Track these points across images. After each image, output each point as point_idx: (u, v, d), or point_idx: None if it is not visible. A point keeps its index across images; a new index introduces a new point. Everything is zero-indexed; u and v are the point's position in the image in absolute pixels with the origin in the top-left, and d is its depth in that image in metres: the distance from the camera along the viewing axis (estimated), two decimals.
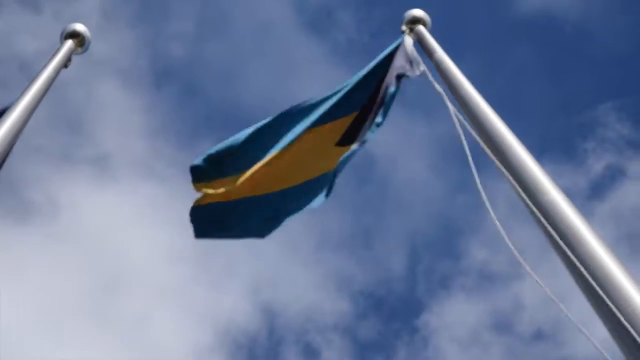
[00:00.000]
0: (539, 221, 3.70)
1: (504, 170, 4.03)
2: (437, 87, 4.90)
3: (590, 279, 3.30)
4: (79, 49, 5.55)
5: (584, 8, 22.52)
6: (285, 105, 6.01)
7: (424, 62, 5.34)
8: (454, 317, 21.96)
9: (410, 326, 21.81)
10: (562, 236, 3.56)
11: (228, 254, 21.46)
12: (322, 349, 21.18)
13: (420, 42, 5.60)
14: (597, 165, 21.48)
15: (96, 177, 22.65)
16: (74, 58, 5.46)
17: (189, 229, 5.87)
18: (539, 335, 20.75)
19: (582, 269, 3.35)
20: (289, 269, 22.57)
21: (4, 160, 4.47)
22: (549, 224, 3.63)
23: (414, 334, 21.59)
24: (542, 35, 22.55)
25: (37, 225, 21.11)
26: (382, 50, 6.02)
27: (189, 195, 5.82)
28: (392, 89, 5.63)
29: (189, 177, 5.72)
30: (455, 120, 4.56)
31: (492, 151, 4.21)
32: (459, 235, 23.16)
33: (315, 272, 23.07)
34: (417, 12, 5.71)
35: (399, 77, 5.57)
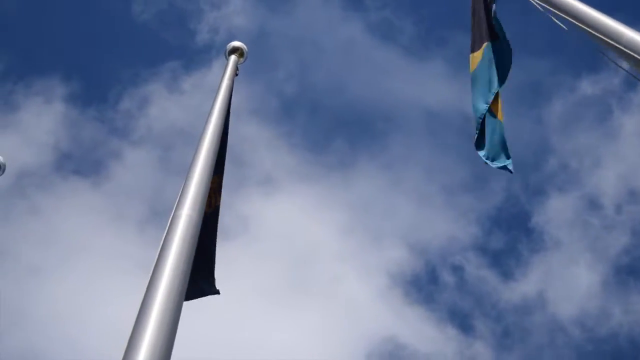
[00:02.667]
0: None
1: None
2: None
3: None
4: (241, 60, 7.05)
5: None
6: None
7: None
8: (555, 211, 27.85)
9: (526, 229, 27.94)
10: None
11: (377, 219, 28.73)
12: (465, 265, 26.98)
13: None
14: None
15: (267, 192, 28.58)
16: (240, 67, 6.98)
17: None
18: (619, 210, 26.59)
19: None
20: (425, 214, 29.10)
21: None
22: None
23: (531, 234, 27.96)
24: None
25: (236, 238, 25.56)
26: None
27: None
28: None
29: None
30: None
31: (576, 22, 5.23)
32: (537, 154, 28.23)
33: (445, 210, 29.17)
34: None
35: None
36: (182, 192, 5.20)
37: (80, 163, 29.16)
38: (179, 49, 31.44)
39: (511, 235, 28.73)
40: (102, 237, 26.37)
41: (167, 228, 4.87)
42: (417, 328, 26.30)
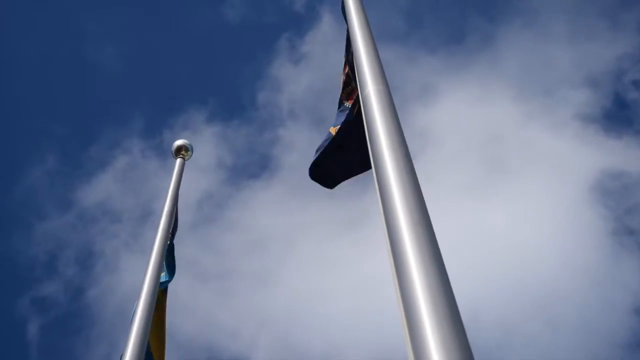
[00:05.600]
0: None
1: None
2: None
3: None
4: None
5: None
6: None
7: None
8: None
9: None
10: None
11: (541, 75, 29.02)
12: None
13: None
14: None
15: (427, 100, 29.62)
16: None
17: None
18: None
19: None
20: (583, 47, 28.62)
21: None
22: None
23: None
24: None
25: (423, 152, 25.52)
26: None
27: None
28: None
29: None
30: None
31: None
32: None
33: (602, 34, 28.36)
34: None
35: None
36: (357, 71, 4.79)
37: (247, 168, 29.83)
38: (283, 23, 31.48)
39: None
40: (296, 221, 26.81)
41: (364, 115, 4.41)
42: (632, 155, 25.36)
